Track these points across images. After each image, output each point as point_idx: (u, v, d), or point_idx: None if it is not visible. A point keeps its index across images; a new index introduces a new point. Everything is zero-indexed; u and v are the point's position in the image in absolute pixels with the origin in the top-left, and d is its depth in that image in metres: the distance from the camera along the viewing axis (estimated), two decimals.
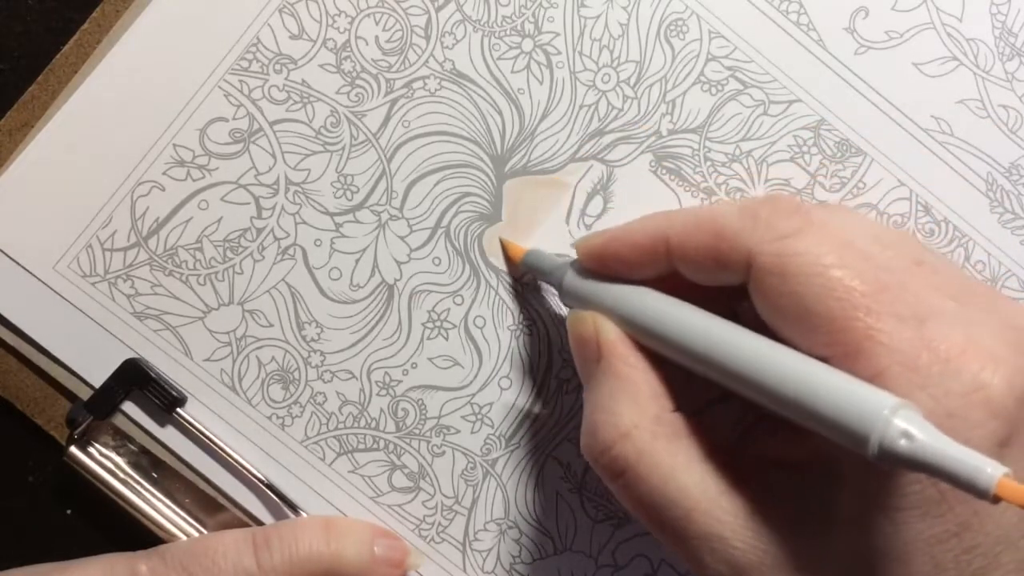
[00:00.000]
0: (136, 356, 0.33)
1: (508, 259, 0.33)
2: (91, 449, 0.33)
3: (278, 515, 0.33)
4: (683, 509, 0.25)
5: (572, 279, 0.30)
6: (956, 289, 0.25)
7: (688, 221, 0.27)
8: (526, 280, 0.33)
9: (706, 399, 0.30)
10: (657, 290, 0.28)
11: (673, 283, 0.28)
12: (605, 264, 0.29)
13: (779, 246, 0.25)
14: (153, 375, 0.33)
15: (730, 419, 0.30)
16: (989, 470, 0.20)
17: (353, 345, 0.33)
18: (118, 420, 0.33)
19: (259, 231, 0.33)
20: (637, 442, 0.26)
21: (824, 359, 0.24)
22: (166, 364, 0.33)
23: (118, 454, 0.34)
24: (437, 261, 0.33)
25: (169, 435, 0.33)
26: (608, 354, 0.28)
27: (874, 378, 0.23)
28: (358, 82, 0.33)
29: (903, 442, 0.21)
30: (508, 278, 0.33)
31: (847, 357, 0.23)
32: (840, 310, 0.23)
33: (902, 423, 0.21)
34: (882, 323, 0.23)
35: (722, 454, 0.26)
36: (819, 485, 0.25)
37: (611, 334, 0.28)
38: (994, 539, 0.23)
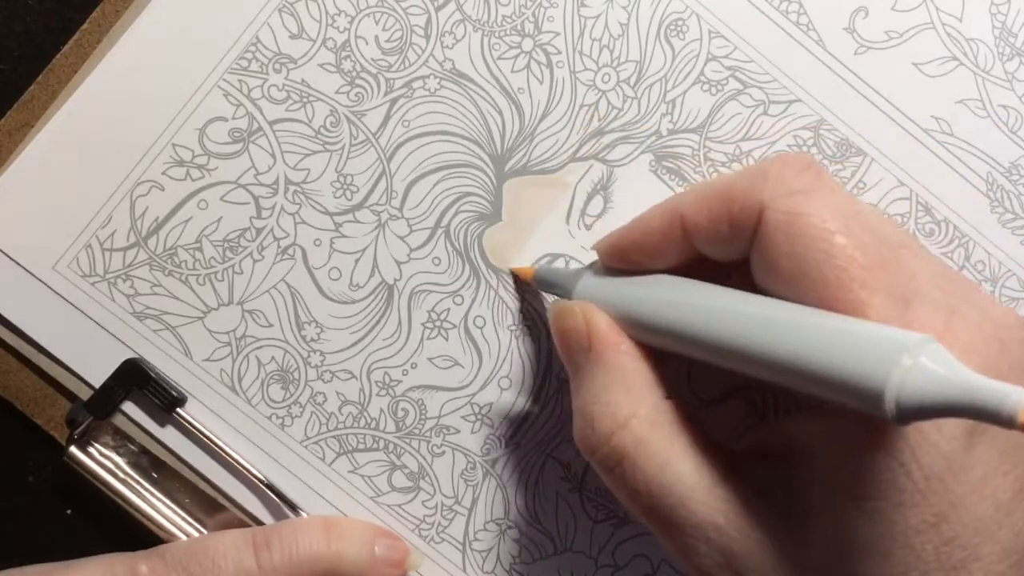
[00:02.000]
0: (136, 356, 0.33)
1: (519, 283, 0.33)
2: (91, 449, 0.33)
3: (278, 515, 0.33)
4: (679, 497, 0.25)
5: (587, 282, 0.29)
6: (939, 277, 0.25)
7: (699, 192, 0.27)
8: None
9: (700, 400, 0.30)
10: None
11: (693, 272, 0.27)
12: (626, 256, 0.28)
13: (788, 203, 0.25)
14: (153, 375, 0.33)
15: (721, 420, 0.30)
16: (1014, 396, 0.19)
17: (353, 345, 0.33)
18: (118, 420, 0.33)
19: (259, 231, 0.33)
20: (635, 431, 0.26)
21: None
22: (166, 364, 0.33)
23: (118, 454, 0.34)
24: (437, 261, 0.33)
25: (169, 435, 0.33)
26: (599, 344, 0.27)
27: None
28: (358, 82, 0.33)
29: (934, 369, 0.20)
30: (508, 278, 0.33)
31: None
32: (836, 279, 0.23)
33: (929, 356, 0.21)
34: (875, 299, 0.23)
35: (713, 445, 0.26)
36: (796, 477, 0.25)
37: (602, 323, 0.28)
38: (972, 530, 0.23)
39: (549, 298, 0.33)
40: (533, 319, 0.34)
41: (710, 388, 0.32)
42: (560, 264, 0.33)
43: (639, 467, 0.26)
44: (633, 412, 0.26)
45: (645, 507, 0.26)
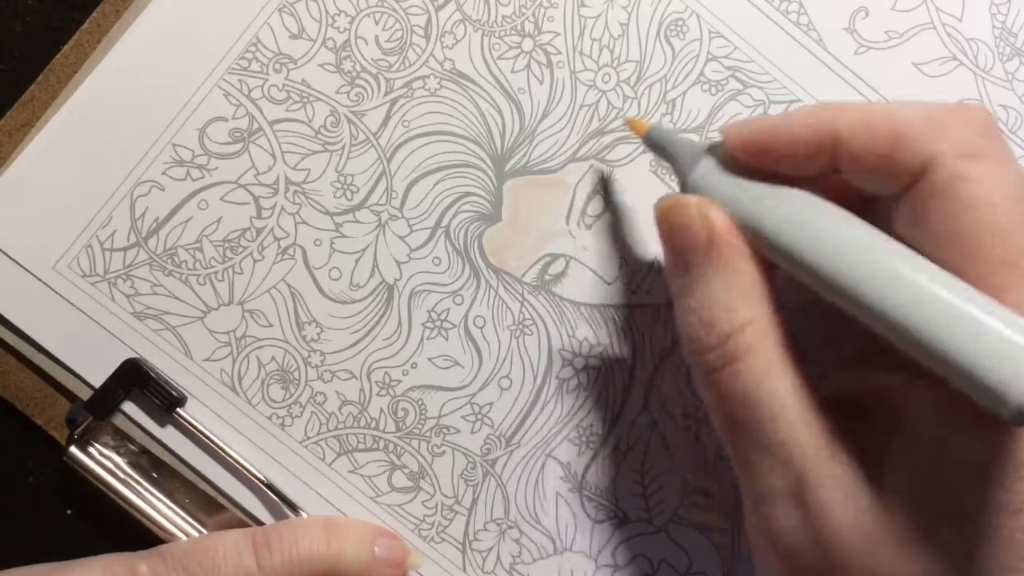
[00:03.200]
0: (136, 356, 0.33)
1: (629, 129, 0.32)
2: (91, 449, 0.33)
3: (278, 515, 0.33)
4: (772, 411, 0.25)
5: (707, 170, 0.27)
6: None
7: (863, 118, 0.25)
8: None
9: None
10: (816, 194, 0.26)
11: (825, 185, 0.26)
12: (759, 155, 0.26)
13: (961, 165, 0.24)
14: (153, 375, 0.33)
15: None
16: None
17: (353, 345, 0.33)
18: (118, 420, 0.33)
19: (259, 231, 0.33)
20: (749, 336, 0.25)
21: None
22: (166, 364, 0.33)
23: (118, 454, 0.34)
24: (437, 261, 0.33)
25: (169, 435, 0.33)
26: (722, 243, 0.26)
27: None
28: (358, 82, 0.33)
29: None
30: (508, 278, 0.33)
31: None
32: (986, 254, 0.23)
33: None
34: (1019, 283, 0.23)
35: (807, 375, 0.26)
36: (875, 431, 0.25)
37: (721, 222, 0.26)
38: None
39: (550, 297, 0.33)
40: (533, 319, 0.34)
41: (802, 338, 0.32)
42: (560, 265, 0.33)
43: (743, 373, 0.25)
44: (750, 318, 0.25)
45: (735, 414, 0.25)
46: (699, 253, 0.26)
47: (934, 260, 0.23)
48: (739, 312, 0.26)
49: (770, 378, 0.25)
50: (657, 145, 0.29)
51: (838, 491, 0.24)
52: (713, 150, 0.27)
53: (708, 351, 0.26)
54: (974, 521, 0.23)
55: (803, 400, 0.25)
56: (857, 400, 0.26)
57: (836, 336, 0.30)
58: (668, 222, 0.27)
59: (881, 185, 0.25)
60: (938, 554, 0.23)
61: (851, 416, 0.26)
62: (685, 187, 0.28)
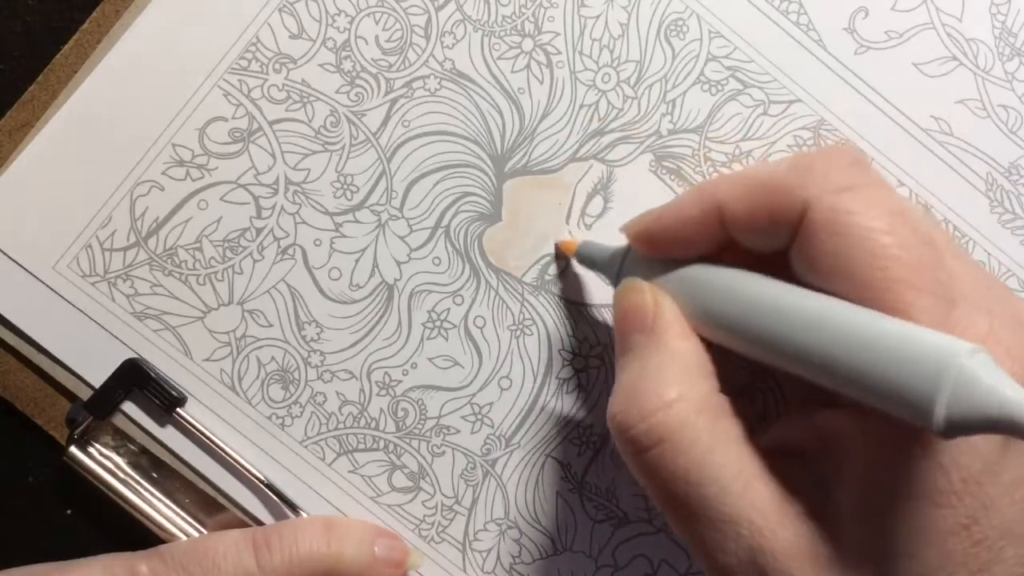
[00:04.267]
0: (136, 356, 0.33)
1: (559, 256, 0.33)
2: (91, 449, 0.33)
3: (278, 515, 0.33)
4: (718, 488, 0.24)
5: (629, 271, 0.29)
6: (978, 279, 0.25)
7: (739, 183, 0.26)
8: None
9: (734, 387, 0.29)
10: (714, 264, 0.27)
11: (723, 259, 0.27)
12: (656, 245, 0.28)
13: (834, 200, 0.24)
14: (153, 375, 0.33)
15: (744, 412, 0.29)
16: None
17: (353, 345, 0.33)
18: (118, 420, 0.33)
19: (259, 231, 0.33)
20: (681, 413, 0.25)
21: None
22: (166, 364, 0.33)
23: (118, 454, 0.34)
24: (437, 261, 0.33)
25: (169, 435, 0.33)
26: (664, 325, 0.27)
27: None
28: (358, 82, 0.33)
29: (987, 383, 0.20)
30: (508, 278, 0.33)
31: None
32: (882, 279, 0.23)
33: (980, 366, 0.20)
34: (921, 300, 0.23)
35: (751, 441, 0.26)
36: (826, 474, 0.25)
37: (670, 308, 0.27)
38: (999, 533, 0.23)
39: (549, 297, 0.33)
40: (533, 319, 0.34)
41: (733, 379, 0.32)
42: (561, 265, 0.33)
43: (680, 451, 0.25)
44: (682, 395, 0.25)
45: (678, 494, 0.25)
46: (641, 334, 0.27)
47: (836, 296, 0.24)
48: (669, 390, 0.25)
49: (715, 453, 0.25)
50: (587, 258, 0.31)
51: (795, 556, 0.24)
52: (627, 252, 0.29)
53: (631, 426, 0.25)
54: (922, 552, 0.23)
55: (748, 470, 0.25)
56: (803, 447, 0.26)
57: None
58: (623, 302, 0.28)
59: (771, 240, 0.26)
60: None
61: (800, 465, 0.26)
62: (616, 284, 0.29)
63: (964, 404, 0.20)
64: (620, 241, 0.33)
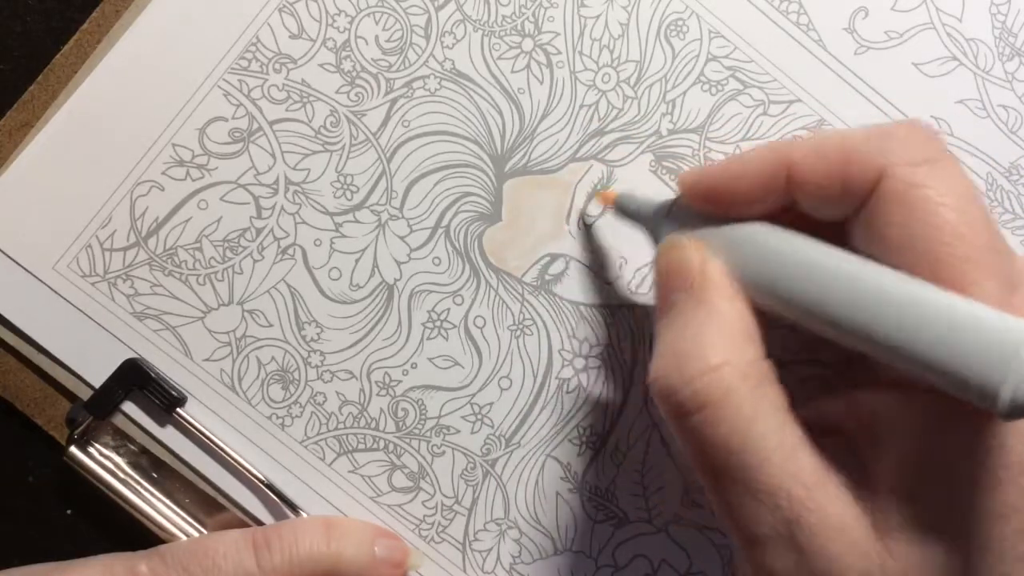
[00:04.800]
0: (136, 356, 0.33)
1: (587, 214, 0.33)
2: (91, 449, 0.33)
3: (278, 515, 0.33)
4: (761, 457, 0.24)
5: (673, 221, 0.27)
6: None
7: (814, 144, 0.25)
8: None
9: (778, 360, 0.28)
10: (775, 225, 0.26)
11: (783, 221, 0.26)
12: (714, 198, 0.26)
13: (911, 172, 0.24)
14: (153, 375, 0.33)
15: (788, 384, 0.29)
16: None
17: (353, 345, 0.33)
18: (118, 420, 0.33)
19: (259, 231, 0.33)
20: (726, 379, 0.24)
21: None
22: (166, 364, 0.33)
23: (118, 454, 0.34)
24: (437, 261, 0.33)
25: (169, 435, 0.33)
26: (708, 285, 0.26)
27: None
28: (358, 82, 0.33)
29: None
30: (508, 278, 0.33)
31: None
32: (948, 256, 0.23)
33: None
34: (985, 280, 0.23)
35: (794, 412, 0.25)
36: (869, 452, 0.25)
37: (717, 268, 0.26)
38: None
39: (549, 297, 0.33)
40: (533, 319, 0.34)
41: (780, 350, 0.31)
42: (560, 265, 0.33)
43: (723, 418, 0.24)
44: (727, 359, 0.24)
45: (718, 462, 0.24)
46: (686, 294, 0.26)
47: (897, 269, 0.24)
48: (713, 354, 0.25)
49: (758, 421, 0.24)
50: (627, 210, 0.30)
51: (831, 529, 0.24)
52: (673, 204, 0.28)
53: (675, 390, 0.25)
54: (967, 533, 0.23)
55: (790, 441, 0.24)
56: (841, 424, 0.26)
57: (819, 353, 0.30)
58: (667, 259, 0.27)
59: (837, 207, 0.25)
60: (946, 574, 0.23)
61: (838, 441, 0.25)
62: (658, 239, 0.28)
63: None
64: (621, 239, 0.33)
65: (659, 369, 0.25)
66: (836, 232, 0.25)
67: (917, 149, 0.24)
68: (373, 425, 0.33)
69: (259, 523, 0.33)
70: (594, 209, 0.33)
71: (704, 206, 0.27)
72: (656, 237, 0.28)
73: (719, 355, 0.25)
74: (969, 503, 0.23)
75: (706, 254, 0.26)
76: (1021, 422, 0.22)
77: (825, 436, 0.25)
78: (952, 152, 0.25)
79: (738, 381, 0.24)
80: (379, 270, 0.33)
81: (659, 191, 0.33)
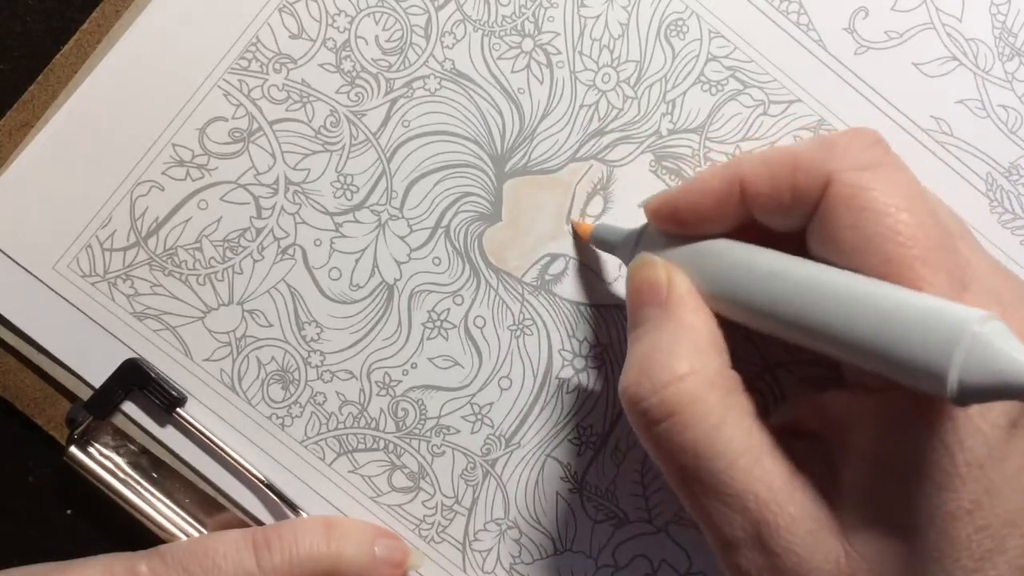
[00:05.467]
0: (136, 356, 0.33)
1: (576, 238, 0.33)
2: (91, 449, 0.33)
3: (278, 515, 0.33)
4: (727, 462, 0.25)
5: (644, 246, 0.29)
6: (992, 269, 0.25)
7: (762, 158, 0.26)
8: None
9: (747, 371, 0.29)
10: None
11: (745, 237, 0.27)
12: (675, 220, 0.28)
13: (856, 176, 0.25)
14: (153, 375, 0.33)
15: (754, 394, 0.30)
16: None
17: (353, 345, 0.33)
18: (118, 420, 0.33)
19: (259, 231, 0.33)
20: (692, 387, 0.25)
21: None
22: (166, 364, 0.33)
23: (118, 454, 0.34)
24: (437, 261, 0.33)
25: (169, 435, 0.33)
26: (676, 300, 0.27)
27: None
28: (358, 82, 0.33)
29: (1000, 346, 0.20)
30: (508, 278, 0.33)
31: None
32: (899, 255, 0.23)
33: (993, 332, 0.20)
34: (936, 278, 0.23)
35: (761, 418, 0.26)
36: (833, 454, 0.25)
37: (684, 283, 0.27)
38: (1002, 521, 0.23)
39: (549, 297, 0.33)
40: (533, 319, 0.34)
41: (747, 361, 0.32)
42: (560, 265, 0.33)
43: (689, 425, 0.25)
44: (694, 369, 0.25)
45: (687, 468, 0.25)
46: (655, 309, 0.27)
47: (851, 271, 0.24)
48: (680, 363, 0.26)
49: (724, 427, 0.25)
50: (601, 240, 0.31)
51: (796, 529, 0.24)
52: (644, 231, 0.29)
53: (643, 399, 0.26)
54: (925, 532, 0.23)
55: (756, 445, 0.25)
56: (812, 426, 0.27)
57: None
58: (637, 278, 0.28)
59: (791, 217, 0.26)
60: (903, 572, 0.23)
61: (810, 444, 0.26)
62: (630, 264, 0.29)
63: (978, 369, 0.20)
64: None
65: (629, 379, 0.26)
66: (798, 243, 0.26)
67: (860, 154, 0.25)
68: (373, 425, 0.33)
69: (259, 523, 0.33)
70: (594, 209, 0.33)
71: (670, 228, 0.28)
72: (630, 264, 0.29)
73: (685, 365, 0.26)
74: (927, 502, 0.23)
75: (673, 271, 0.27)
76: (979, 420, 0.23)
77: (797, 439, 0.26)
78: (897, 155, 0.26)
79: (704, 389, 0.25)
80: (379, 270, 0.33)
81: (658, 191, 0.33)
